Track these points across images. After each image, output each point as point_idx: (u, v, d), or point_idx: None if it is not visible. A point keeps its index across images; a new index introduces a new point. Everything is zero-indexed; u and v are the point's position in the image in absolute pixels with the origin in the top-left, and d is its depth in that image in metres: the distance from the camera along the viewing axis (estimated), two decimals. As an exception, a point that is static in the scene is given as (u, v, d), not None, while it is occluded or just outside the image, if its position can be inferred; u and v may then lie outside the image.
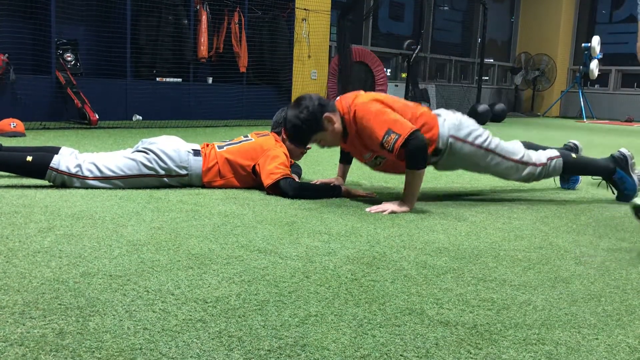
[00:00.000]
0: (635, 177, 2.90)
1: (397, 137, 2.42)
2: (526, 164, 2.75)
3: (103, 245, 1.78)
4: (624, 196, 2.90)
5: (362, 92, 2.69)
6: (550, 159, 2.80)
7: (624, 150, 2.92)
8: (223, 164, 2.78)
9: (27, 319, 1.23)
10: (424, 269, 1.70)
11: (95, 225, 2.02)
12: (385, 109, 2.52)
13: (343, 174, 3.04)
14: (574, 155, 2.89)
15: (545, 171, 2.80)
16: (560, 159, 2.82)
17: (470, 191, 3.13)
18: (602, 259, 1.90)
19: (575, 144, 3.23)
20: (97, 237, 1.87)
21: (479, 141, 2.66)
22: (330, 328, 1.26)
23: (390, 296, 1.46)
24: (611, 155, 2.92)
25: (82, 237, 1.87)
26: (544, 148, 2.98)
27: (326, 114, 2.55)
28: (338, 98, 2.69)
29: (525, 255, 1.89)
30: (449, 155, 2.67)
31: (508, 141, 2.88)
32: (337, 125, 2.58)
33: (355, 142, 2.63)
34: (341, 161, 3.04)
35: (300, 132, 2.59)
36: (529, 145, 3.00)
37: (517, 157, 2.74)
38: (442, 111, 2.75)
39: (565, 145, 3.28)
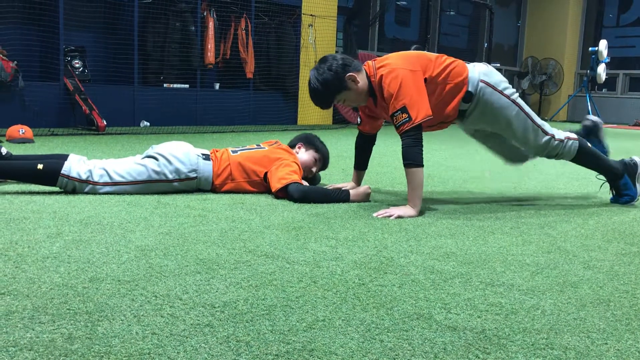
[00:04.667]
0: (638, 187, 2.90)
1: (407, 119, 2.43)
2: (546, 133, 2.74)
3: (111, 251, 1.79)
4: (620, 198, 2.90)
5: (392, 55, 2.63)
6: (568, 138, 2.77)
7: (636, 158, 2.89)
8: (236, 167, 2.82)
9: (37, 324, 1.24)
10: (431, 273, 1.70)
11: (104, 231, 2.03)
12: (412, 80, 2.47)
13: (357, 180, 3.02)
14: (589, 144, 2.85)
15: (560, 148, 2.76)
16: (577, 141, 2.79)
17: (477, 196, 3.13)
18: (610, 263, 1.89)
19: (593, 121, 3.12)
20: (106, 243, 1.88)
21: (508, 92, 2.65)
22: (337, 333, 1.26)
23: (397, 301, 1.46)
24: (622, 160, 2.89)
25: (91, 242, 1.88)
26: None
27: (349, 74, 2.52)
28: (366, 62, 2.63)
29: (533, 260, 1.89)
30: (478, 103, 2.62)
31: None
32: (362, 84, 2.55)
33: (383, 104, 2.58)
34: (356, 167, 3.01)
35: (323, 94, 2.55)
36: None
37: (539, 122, 2.73)
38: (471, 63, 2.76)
39: (582, 123, 3.18)
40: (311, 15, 8.46)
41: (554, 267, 1.81)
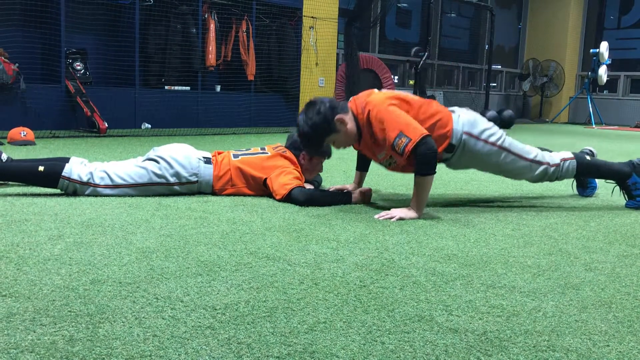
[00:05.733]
0: None
1: (407, 140, 2.42)
2: (540, 163, 2.75)
3: (113, 253, 1.79)
4: (634, 202, 2.88)
5: (375, 90, 2.68)
6: (564, 160, 2.79)
7: None
8: (236, 173, 2.81)
9: (38, 326, 1.24)
10: (433, 275, 1.70)
11: (105, 233, 2.03)
12: (398, 110, 2.51)
13: (359, 181, 3.02)
14: (588, 157, 2.86)
15: (558, 172, 2.78)
16: (574, 160, 2.80)
17: (479, 198, 3.12)
18: (612, 265, 1.89)
19: (590, 151, 3.20)
20: (107, 245, 1.88)
21: (492, 139, 2.66)
22: (339, 335, 1.26)
23: (399, 303, 1.46)
24: (630, 160, 2.90)
25: (92, 244, 1.88)
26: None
27: (338, 116, 2.55)
28: (352, 98, 2.67)
29: (534, 262, 1.89)
30: (462, 152, 2.66)
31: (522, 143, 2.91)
32: (350, 125, 2.58)
33: (369, 142, 2.62)
34: (358, 168, 3.03)
35: (313, 138, 2.59)
36: (543, 150, 2.99)
37: (531, 157, 2.74)
38: (456, 108, 2.74)
39: (580, 152, 3.25)
40: (312, 17, 8.47)
41: (555, 269, 1.81)
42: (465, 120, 2.65)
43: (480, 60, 13.05)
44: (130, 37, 6.70)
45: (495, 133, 2.68)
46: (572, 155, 2.82)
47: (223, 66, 7.73)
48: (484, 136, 2.65)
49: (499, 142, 2.67)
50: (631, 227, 2.49)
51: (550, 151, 2.98)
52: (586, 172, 2.90)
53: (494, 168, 2.75)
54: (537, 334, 1.31)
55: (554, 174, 2.78)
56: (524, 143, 2.83)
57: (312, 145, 2.64)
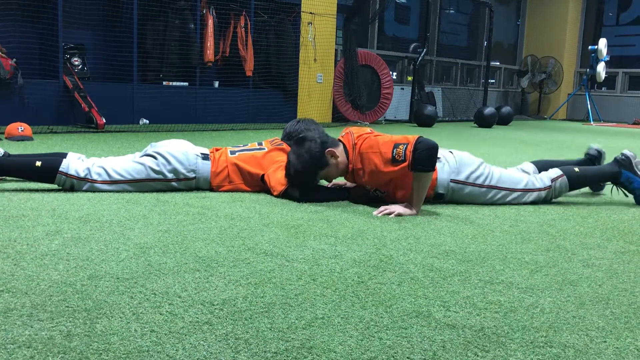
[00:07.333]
0: None
1: (405, 145, 2.44)
2: (531, 190, 2.80)
3: (110, 248, 1.79)
4: (638, 197, 2.91)
5: (367, 129, 2.73)
6: (554, 180, 2.84)
7: (626, 151, 2.93)
8: (233, 169, 2.80)
9: (35, 321, 1.24)
10: (430, 271, 1.70)
11: (103, 228, 2.03)
12: (386, 135, 2.58)
13: None
14: (576, 169, 2.90)
15: (552, 193, 2.85)
16: (564, 177, 2.84)
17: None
18: (610, 261, 1.89)
19: (598, 151, 3.19)
20: (104, 240, 1.88)
21: (480, 180, 2.72)
22: (336, 331, 1.26)
23: (397, 299, 1.46)
24: (614, 158, 2.93)
25: (90, 240, 1.88)
26: (557, 164, 3.00)
27: (328, 150, 2.58)
28: (345, 132, 2.70)
29: (532, 258, 1.89)
30: (452, 195, 2.73)
31: (511, 168, 2.98)
32: (341, 158, 2.61)
33: (359, 175, 2.62)
34: None
35: (306, 175, 2.63)
36: (541, 164, 3.03)
37: (521, 186, 2.80)
38: (441, 153, 2.72)
39: (586, 152, 3.23)
40: (311, 13, 8.45)
41: (553, 266, 1.81)
42: (450, 168, 2.69)
43: (478, 56, 13.04)
44: (129, 32, 6.68)
45: (482, 173, 2.73)
46: (560, 173, 2.86)
47: (221, 62, 7.71)
48: (470, 180, 2.71)
49: (487, 182, 2.73)
50: (629, 223, 2.49)
51: (556, 164, 2.99)
52: (579, 184, 2.95)
53: (487, 203, 2.79)
54: (535, 330, 1.31)
55: (548, 195, 2.85)
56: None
57: (305, 180, 2.67)
